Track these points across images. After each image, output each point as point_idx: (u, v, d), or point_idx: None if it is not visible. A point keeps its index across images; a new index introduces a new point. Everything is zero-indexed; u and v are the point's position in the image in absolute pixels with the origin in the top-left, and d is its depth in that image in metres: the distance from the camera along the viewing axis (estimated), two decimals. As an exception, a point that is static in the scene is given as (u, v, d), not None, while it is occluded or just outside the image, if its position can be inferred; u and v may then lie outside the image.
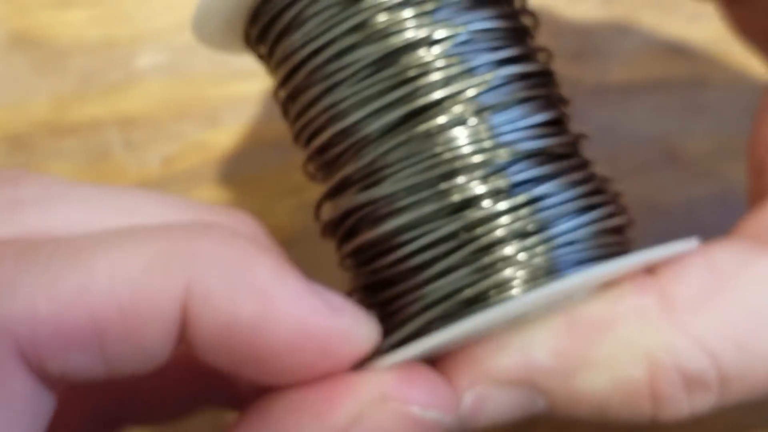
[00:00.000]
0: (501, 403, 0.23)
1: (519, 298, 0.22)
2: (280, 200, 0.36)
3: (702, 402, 0.23)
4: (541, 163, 0.23)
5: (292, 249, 0.38)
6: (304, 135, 0.25)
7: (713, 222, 0.36)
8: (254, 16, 0.25)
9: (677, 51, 0.38)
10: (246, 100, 0.37)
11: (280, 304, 0.20)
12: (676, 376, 0.22)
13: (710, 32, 0.38)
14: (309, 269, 0.37)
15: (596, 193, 0.24)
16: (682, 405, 0.23)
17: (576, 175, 0.24)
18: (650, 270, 0.24)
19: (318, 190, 0.25)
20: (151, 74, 0.36)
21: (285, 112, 0.26)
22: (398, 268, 0.23)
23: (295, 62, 0.24)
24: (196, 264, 0.20)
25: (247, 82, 0.37)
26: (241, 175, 0.36)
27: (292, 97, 0.25)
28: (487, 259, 0.22)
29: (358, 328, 0.21)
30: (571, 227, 0.23)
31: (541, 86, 0.25)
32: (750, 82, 0.38)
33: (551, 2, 0.38)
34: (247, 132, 0.37)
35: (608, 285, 0.23)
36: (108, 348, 0.19)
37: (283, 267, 0.21)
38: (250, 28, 0.26)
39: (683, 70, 0.38)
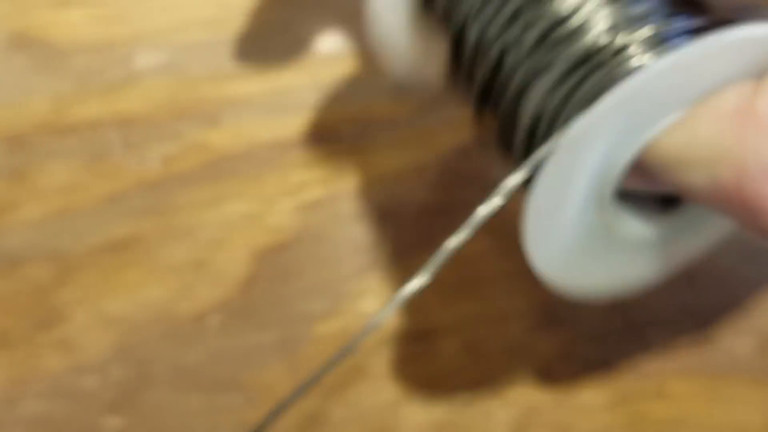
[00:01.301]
0: None
1: (650, 66, 0.23)
2: (280, 200, 0.36)
3: None
4: None
5: (292, 249, 0.38)
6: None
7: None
8: None
9: (678, 51, 0.38)
10: (246, 100, 0.37)
11: None
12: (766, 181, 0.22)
13: (711, 32, 0.38)
14: (309, 269, 0.38)
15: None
16: None
17: None
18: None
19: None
20: (151, 74, 0.36)
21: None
22: None
23: None
24: None
25: (247, 82, 0.37)
26: (241, 175, 0.36)
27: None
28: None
29: None
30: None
31: None
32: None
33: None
34: (247, 132, 0.36)
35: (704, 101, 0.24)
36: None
37: None
38: None
39: (684, 70, 0.38)
